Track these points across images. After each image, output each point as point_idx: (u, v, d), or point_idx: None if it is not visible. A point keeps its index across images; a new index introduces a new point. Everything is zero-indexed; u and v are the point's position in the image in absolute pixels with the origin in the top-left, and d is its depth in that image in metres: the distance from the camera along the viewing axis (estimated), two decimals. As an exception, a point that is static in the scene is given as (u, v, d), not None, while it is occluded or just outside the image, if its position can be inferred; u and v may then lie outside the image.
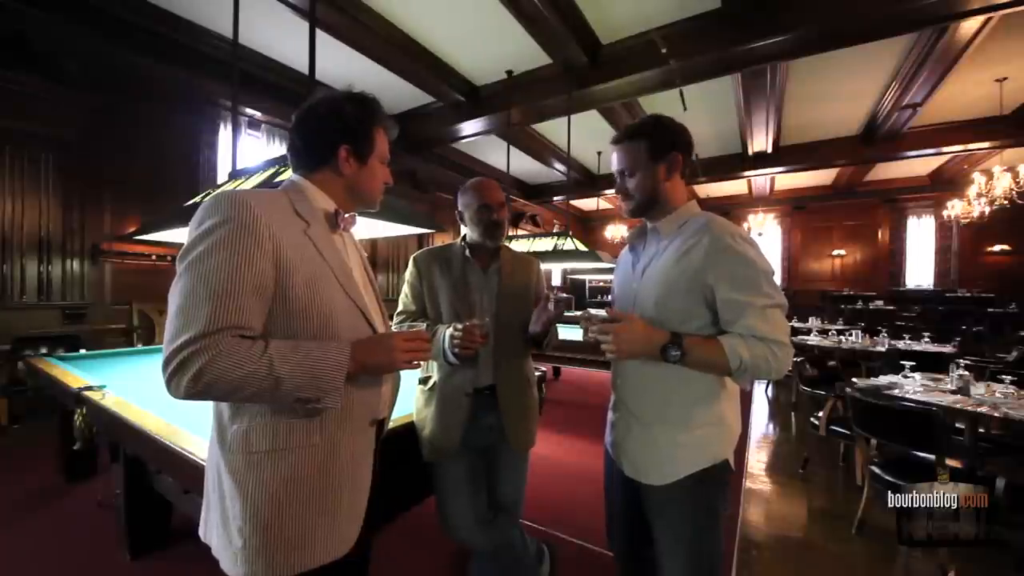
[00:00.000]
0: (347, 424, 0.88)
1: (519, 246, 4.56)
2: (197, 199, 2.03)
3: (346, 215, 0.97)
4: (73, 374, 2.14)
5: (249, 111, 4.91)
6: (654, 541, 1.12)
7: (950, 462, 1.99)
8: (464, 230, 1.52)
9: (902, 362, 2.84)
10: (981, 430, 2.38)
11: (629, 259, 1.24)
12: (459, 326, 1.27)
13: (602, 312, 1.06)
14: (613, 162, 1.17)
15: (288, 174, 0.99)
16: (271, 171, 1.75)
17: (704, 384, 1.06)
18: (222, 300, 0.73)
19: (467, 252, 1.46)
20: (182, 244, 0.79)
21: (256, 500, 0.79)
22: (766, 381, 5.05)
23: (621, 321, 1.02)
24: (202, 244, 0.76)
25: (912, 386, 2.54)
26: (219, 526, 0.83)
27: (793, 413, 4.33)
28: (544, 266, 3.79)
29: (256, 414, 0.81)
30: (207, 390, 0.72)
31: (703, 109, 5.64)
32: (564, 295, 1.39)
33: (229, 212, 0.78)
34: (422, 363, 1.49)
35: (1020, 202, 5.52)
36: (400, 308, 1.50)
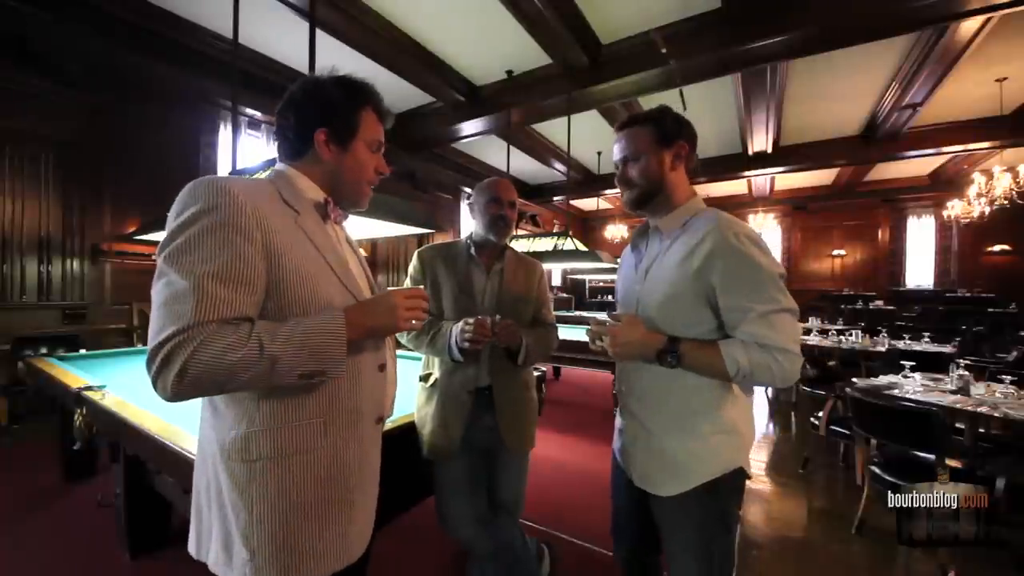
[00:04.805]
0: (356, 424, 0.85)
1: (519, 246, 4.56)
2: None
3: (337, 206, 0.91)
4: (73, 374, 2.14)
5: (249, 111, 4.90)
6: (664, 548, 1.08)
7: (950, 462, 1.98)
8: (471, 228, 1.53)
9: (902, 362, 2.83)
10: (981, 430, 2.38)
11: (632, 259, 1.19)
12: (470, 320, 1.26)
13: (605, 316, 1.06)
14: (616, 151, 1.12)
15: None
16: (271, 170, 1.75)
17: (713, 390, 1.01)
18: (209, 293, 0.67)
19: (472, 250, 1.46)
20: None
21: (262, 510, 0.75)
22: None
23: (621, 322, 1.01)
24: (183, 235, 0.70)
25: (912, 386, 2.54)
26: (219, 540, 0.78)
27: (793, 413, 4.32)
28: (544, 266, 3.78)
29: (255, 419, 0.76)
30: (197, 384, 0.66)
31: (703, 109, 5.63)
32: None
33: (211, 199, 0.71)
34: (423, 358, 1.50)
35: (1020, 202, 5.52)
36: None
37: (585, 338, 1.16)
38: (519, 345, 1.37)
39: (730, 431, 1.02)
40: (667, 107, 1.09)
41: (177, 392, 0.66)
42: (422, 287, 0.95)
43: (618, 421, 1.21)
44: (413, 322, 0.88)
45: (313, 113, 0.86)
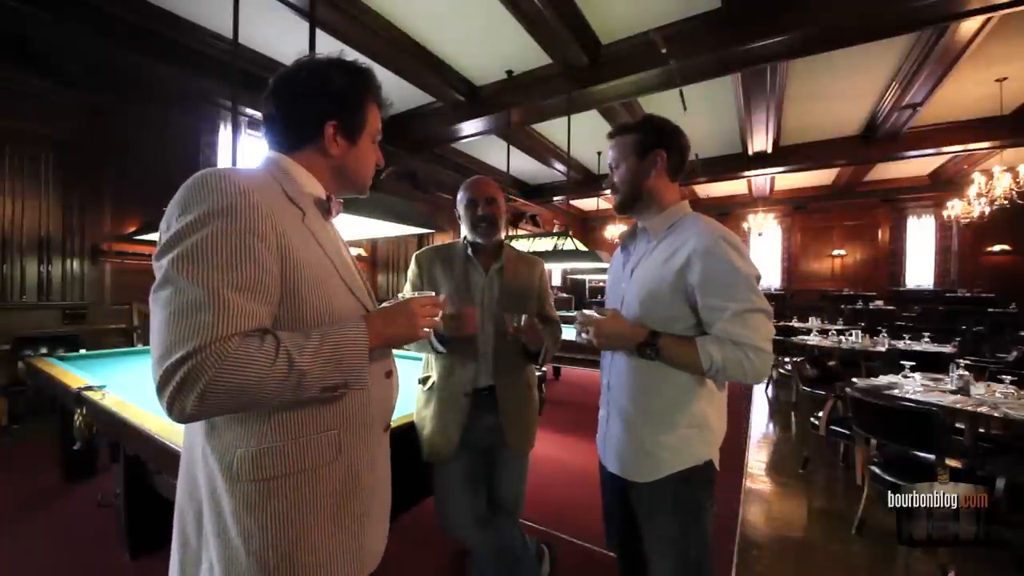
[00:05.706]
0: (368, 433, 0.82)
1: (519, 246, 4.55)
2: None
3: (337, 200, 0.88)
4: (73, 374, 2.14)
5: (249, 111, 4.90)
6: (642, 537, 1.13)
7: (950, 462, 1.98)
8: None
9: (902, 362, 2.83)
10: (981, 430, 2.38)
11: (621, 259, 1.27)
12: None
13: (593, 312, 1.12)
14: (608, 159, 1.20)
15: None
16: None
17: (686, 385, 1.07)
18: (230, 303, 0.61)
19: (469, 251, 1.46)
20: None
21: (278, 529, 0.70)
22: (766, 381, 5.05)
23: (606, 316, 1.08)
24: (193, 237, 0.63)
25: (912, 386, 2.54)
26: (219, 569, 0.71)
27: (793, 413, 4.32)
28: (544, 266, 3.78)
29: (265, 435, 0.70)
30: (220, 405, 0.61)
31: (703, 109, 5.63)
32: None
33: (224, 198, 0.65)
34: (423, 360, 1.50)
35: (1020, 202, 5.52)
36: None
37: (585, 338, 1.18)
38: (541, 345, 1.37)
39: (701, 425, 1.08)
40: (651, 117, 1.15)
41: (196, 414, 0.60)
42: (433, 294, 0.94)
43: (601, 411, 1.27)
44: (425, 330, 0.87)
45: (321, 103, 0.80)
